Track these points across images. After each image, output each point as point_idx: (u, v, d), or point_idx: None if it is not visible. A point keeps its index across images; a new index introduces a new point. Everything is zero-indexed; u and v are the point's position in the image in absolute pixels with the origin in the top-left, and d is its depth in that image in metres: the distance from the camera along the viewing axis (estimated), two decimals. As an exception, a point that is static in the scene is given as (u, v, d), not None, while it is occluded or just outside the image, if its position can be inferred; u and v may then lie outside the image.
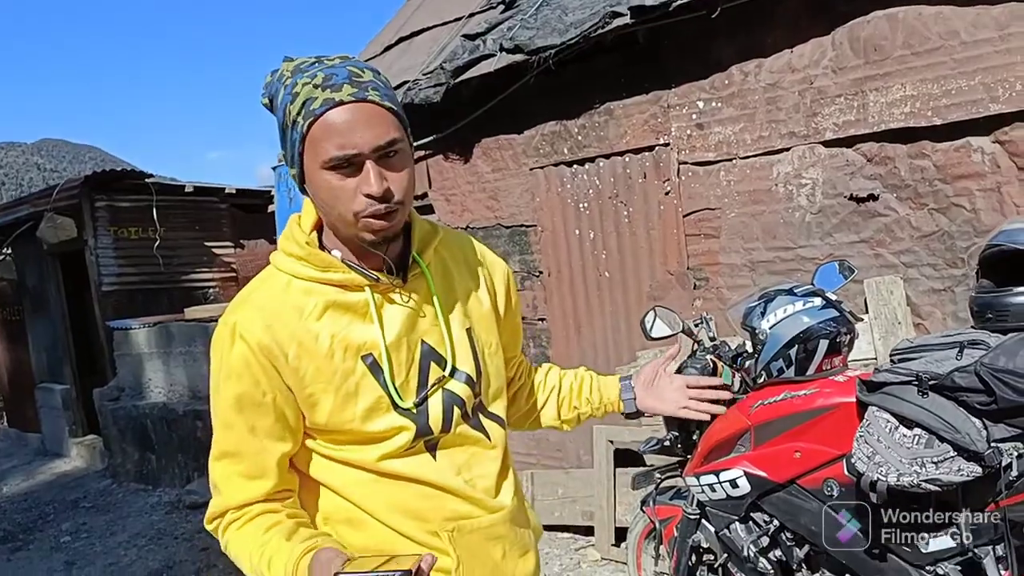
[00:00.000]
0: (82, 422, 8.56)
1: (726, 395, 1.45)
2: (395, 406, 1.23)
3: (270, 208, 8.57)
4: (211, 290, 8.80)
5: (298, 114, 1.13)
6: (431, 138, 4.85)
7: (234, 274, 8.92)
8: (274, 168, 6.05)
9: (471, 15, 5.22)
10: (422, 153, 5.05)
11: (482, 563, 1.30)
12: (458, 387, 1.30)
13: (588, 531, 4.17)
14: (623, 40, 3.84)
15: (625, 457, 4.02)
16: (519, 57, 4.05)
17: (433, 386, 1.27)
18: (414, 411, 1.24)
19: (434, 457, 1.28)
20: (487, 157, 4.68)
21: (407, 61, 5.38)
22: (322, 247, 1.26)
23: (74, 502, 6.87)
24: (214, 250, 8.85)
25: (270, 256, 1.29)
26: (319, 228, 1.28)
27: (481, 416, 1.35)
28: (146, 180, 8.07)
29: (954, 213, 3.09)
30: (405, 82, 4.92)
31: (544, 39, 3.93)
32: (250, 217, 9.07)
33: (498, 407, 1.38)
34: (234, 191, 8.85)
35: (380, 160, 1.14)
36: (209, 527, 1.28)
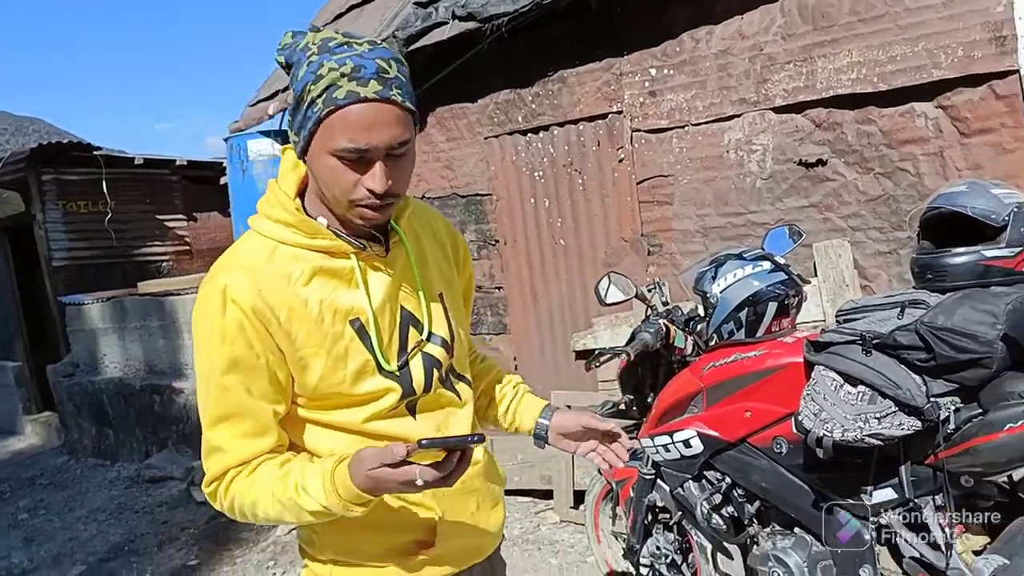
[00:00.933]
0: (36, 399, 8.41)
1: (624, 454, 1.46)
2: (380, 369, 1.26)
3: (222, 180, 8.44)
4: (164, 264, 8.65)
5: (319, 96, 1.12)
6: (385, 107, 4.81)
7: (187, 247, 8.78)
8: (226, 139, 5.93)
9: (423, -18, 5.16)
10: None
11: (460, 514, 1.36)
12: (435, 350, 1.34)
13: (547, 495, 4.24)
14: (576, 7, 3.84)
15: (584, 422, 4.09)
16: (472, 25, 4.02)
17: (412, 350, 1.31)
18: (398, 373, 1.28)
19: (414, 417, 1.31)
20: (441, 126, 4.66)
21: (358, 29, 5.30)
22: (306, 213, 1.26)
23: (31, 479, 6.77)
24: (166, 223, 8.68)
25: (249, 221, 1.28)
26: (300, 193, 1.28)
27: (452, 377, 1.39)
28: (94, 152, 7.85)
29: (899, 177, 3.17)
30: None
31: (496, 7, 3.91)
32: (202, 189, 8.91)
33: (465, 368, 1.44)
34: (185, 163, 8.66)
35: (387, 158, 1.15)
36: (208, 490, 1.26)
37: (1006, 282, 1.91)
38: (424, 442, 1.07)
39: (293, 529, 4.67)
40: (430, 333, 1.34)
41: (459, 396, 1.39)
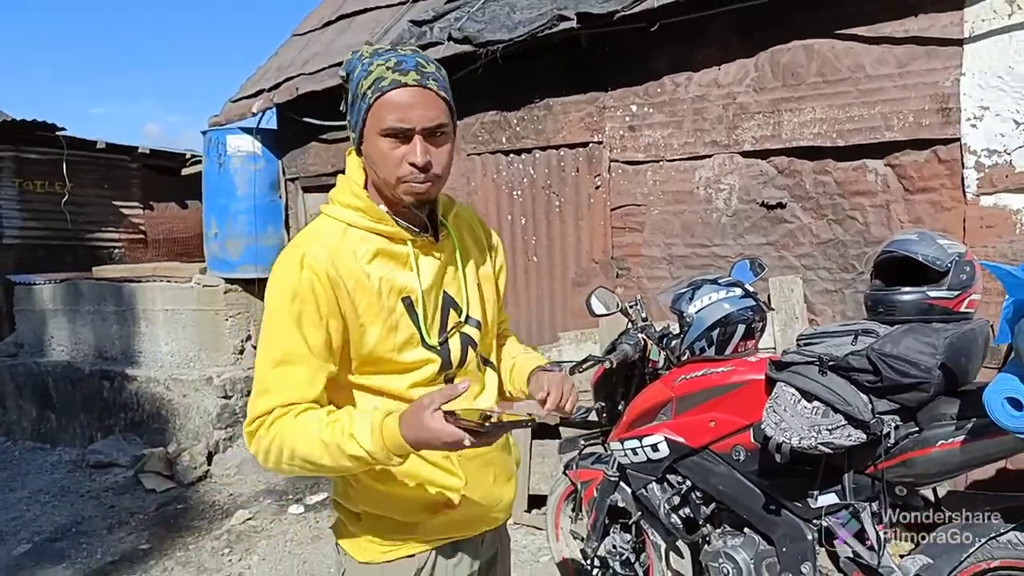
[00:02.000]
0: (-27, 378, 8.20)
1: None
2: (423, 342, 1.46)
3: (184, 171, 8.48)
4: (117, 250, 8.58)
5: (369, 88, 1.36)
6: (371, 117, 4.99)
7: (142, 236, 8.73)
8: (204, 133, 6.02)
9: (415, 1, 5.39)
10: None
11: (480, 483, 1.54)
12: (472, 331, 1.54)
13: (502, 498, 4.45)
14: (567, 42, 4.12)
15: (541, 430, 4.32)
16: (467, 48, 4.26)
17: (451, 329, 1.51)
18: (438, 347, 1.47)
19: None
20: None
21: (349, 39, 5.49)
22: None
23: (-36, 459, 6.65)
24: (122, 210, 8.63)
25: (321, 208, 1.50)
26: (364, 186, 1.49)
27: (480, 356, 1.59)
28: (57, 133, 7.79)
29: (848, 224, 3.52)
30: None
31: (493, 34, 4.16)
32: (161, 179, 8.89)
33: (488, 350, 1.64)
34: (147, 151, 8.64)
35: (428, 138, 1.36)
36: (249, 428, 1.39)
37: (946, 319, 2.22)
38: (488, 425, 1.22)
39: (249, 519, 4.78)
40: (468, 316, 1.54)
41: (485, 378, 1.59)
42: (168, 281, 6.36)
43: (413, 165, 1.35)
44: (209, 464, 5.70)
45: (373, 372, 1.45)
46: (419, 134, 1.35)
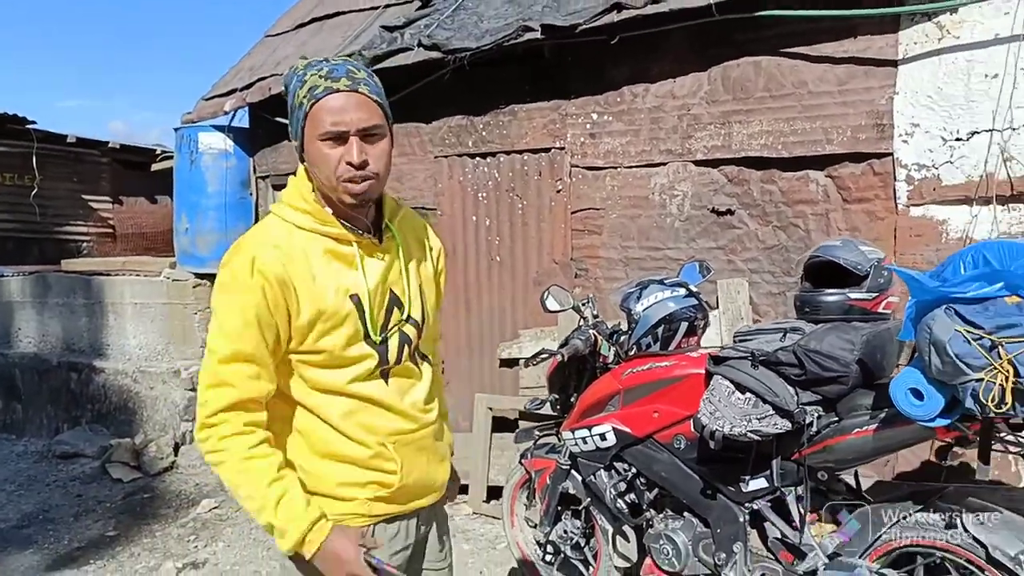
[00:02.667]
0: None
1: None
2: (367, 338, 1.57)
3: (154, 167, 8.53)
4: (85, 244, 8.60)
5: (304, 96, 1.47)
6: (341, 118, 5.13)
7: (111, 230, 8.76)
8: (176, 129, 6.11)
9: (387, 6, 5.54)
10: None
11: (415, 468, 1.66)
12: (410, 330, 1.65)
13: (462, 489, 4.61)
14: (532, 51, 4.29)
15: (501, 423, 4.50)
16: (435, 54, 4.42)
17: (393, 327, 1.62)
18: (379, 344, 1.58)
19: (387, 383, 1.62)
20: (395, 141, 5.00)
21: (321, 41, 5.62)
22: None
23: (-73, 448, 6.65)
24: (92, 204, 8.65)
25: (271, 207, 1.61)
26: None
27: (417, 353, 1.70)
28: (28, 127, 7.81)
29: (791, 231, 3.73)
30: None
31: (461, 41, 4.33)
32: (131, 174, 8.92)
33: (428, 349, 1.75)
34: (118, 146, 8.68)
35: (363, 139, 1.47)
36: (209, 421, 1.49)
37: (864, 319, 2.43)
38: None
39: (215, 508, 4.89)
40: (409, 315, 1.64)
41: (420, 370, 1.70)
42: (138, 275, 6.44)
43: (350, 164, 1.45)
44: (176, 455, 5.80)
45: (316, 365, 1.55)
46: (354, 135, 1.46)
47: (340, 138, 1.46)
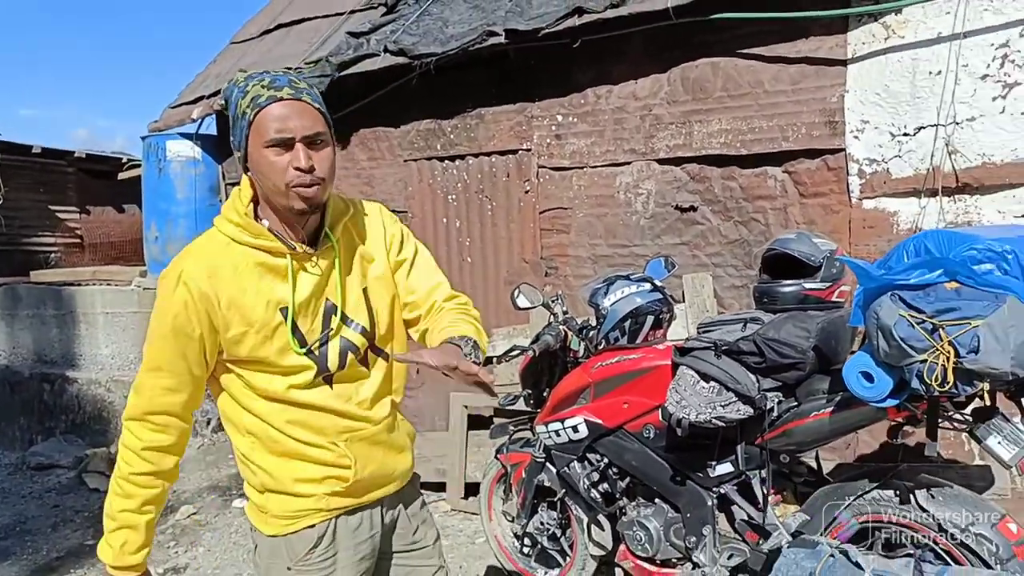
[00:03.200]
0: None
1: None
2: (301, 346, 1.58)
3: (121, 175, 8.48)
4: (53, 255, 8.54)
5: (247, 106, 1.47)
6: (310, 124, 5.18)
7: (79, 240, 8.70)
8: (143, 138, 6.12)
9: (352, 12, 5.60)
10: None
11: (371, 461, 1.68)
12: (354, 336, 1.65)
13: (440, 487, 4.69)
14: (497, 56, 4.38)
15: (477, 421, 4.58)
16: (402, 60, 4.50)
17: (333, 334, 1.62)
18: (315, 353, 1.60)
19: (331, 387, 1.63)
20: (364, 146, 5.09)
21: (287, 48, 5.67)
22: (257, 218, 1.59)
23: (-102, 463, 6.58)
24: (58, 214, 8.59)
25: (214, 220, 1.62)
26: (256, 202, 1.60)
27: (369, 352, 1.69)
28: (-9, 138, 7.75)
29: (752, 226, 3.87)
30: (288, 68, 5.23)
31: (427, 47, 4.41)
32: (98, 183, 8.87)
33: (384, 342, 1.73)
34: (84, 155, 8.62)
35: (308, 145, 1.48)
36: (125, 423, 1.62)
37: (819, 308, 2.55)
38: None
39: (194, 513, 4.92)
40: (345, 317, 1.64)
41: (369, 368, 1.69)
42: (108, 284, 6.43)
43: (299, 169, 1.46)
44: (152, 463, 5.79)
45: (257, 370, 1.59)
46: (300, 141, 1.47)
47: (286, 145, 1.47)
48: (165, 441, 1.61)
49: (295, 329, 1.57)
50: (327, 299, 1.62)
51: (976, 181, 3.21)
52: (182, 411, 1.62)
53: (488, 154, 4.62)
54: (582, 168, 4.33)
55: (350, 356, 1.64)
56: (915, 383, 2.00)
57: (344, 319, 1.64)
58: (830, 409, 2.40)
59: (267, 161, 1.47)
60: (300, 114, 1.47)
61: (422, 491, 1.95)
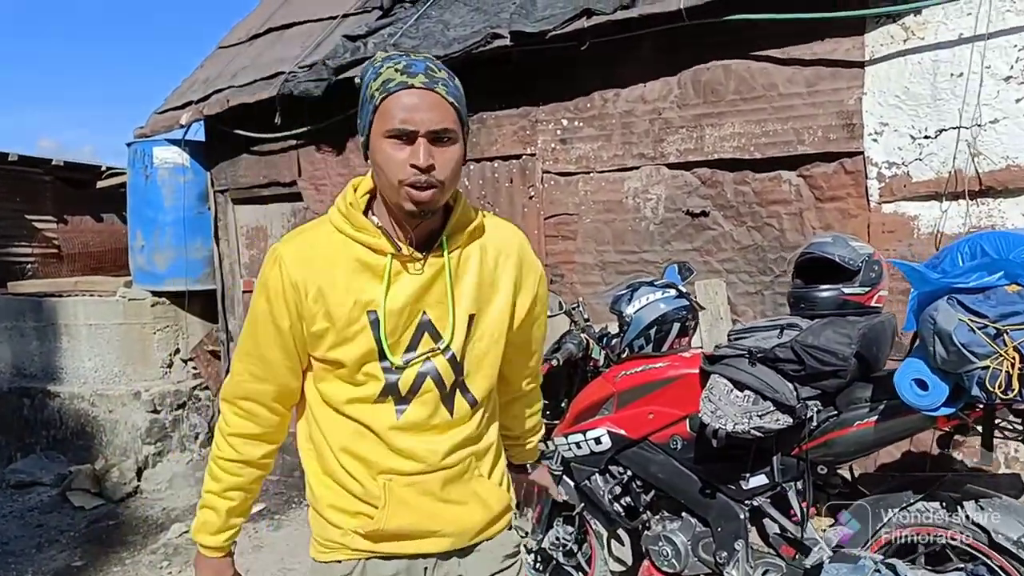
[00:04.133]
0: None
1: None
2: (381, 359, 1.43)
3: (100, 184, 8.26)
4: (30, 266, 8.30)
5: (377, 89, 1.35)
6: (305, 129, 5.06)
7: (56, 250, 8.47)
8: (129, 145, 5.95)
9: (345, 15, 5.48)
10: (294, 143, 5.24)
11: (410, 511, 1.48)
12: (440, 363, 1.46)
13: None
14: (500, 58, 4.29)
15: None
16: (402, 63, 4.38)
17: (421, 355, 1.45)
18: (392, 368, 1.44)
19: (398, 415, 1.46)
20: (361, 153, 4.95)
21: (279, 52, 5.53)
22: (368, 212, 1.47)
23: None
24: (35, 224, 8.36)
25: (331, 209, 1.51)
26: (373, 195, 1.49)
27: (457, 392, 1.50)
28: (-34, 145, 7.51)
29: (766, 231, 3.79)
30: (280, 73, 5.10)
31: (428, 50, 4.30)
32: (75, 192, 8.65)
33: (477, 388, 1.52)
34: (61, 164, 8.41)
35: (433, 142, 1.34)
36: (221, 402, 1.58)
37: (859, 312, 2.48)
38: None
39: (185, 532, 4.74)
40: (440, 342, 1.45)
41: (451, 411, 1.49)
42: (91, 295, 6.24)
43: (415, 167, 1.33)
44: (139, 480, 5.62)
45: (329, 373, 1.47)
46: (423, 137, 1.33)
47: (407, 138, 1.34)
48: (252, 429, 1.55)
49: (379, 337, 1.43)
50: (424, 312, 1.45)
51: (1000, 184, 3.16)
52: (271, 401, 1.54)
53: (491, 159, 4.52)
54: (588, 173, 4.24)
55: (428, 383, 1.46)
56: (976, 390, 1.93)
57: (436, 338, 1.46)
58: (874, 418, 2.32)
59: (385, 152, 1.35)
60: (430, 106, 1.34)
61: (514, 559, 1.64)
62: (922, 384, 2.05)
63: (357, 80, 1.54)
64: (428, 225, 1.45)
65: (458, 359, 1.48)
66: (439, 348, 1.46)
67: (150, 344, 6.07)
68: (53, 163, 8.44)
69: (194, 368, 6.22)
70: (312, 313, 1.43)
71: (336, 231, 1.45)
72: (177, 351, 6.19)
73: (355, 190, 1.50)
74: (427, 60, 1.40)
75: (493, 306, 1.52)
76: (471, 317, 1.49)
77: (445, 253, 1.46)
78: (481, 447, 1.57)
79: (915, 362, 2.07)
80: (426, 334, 1.46)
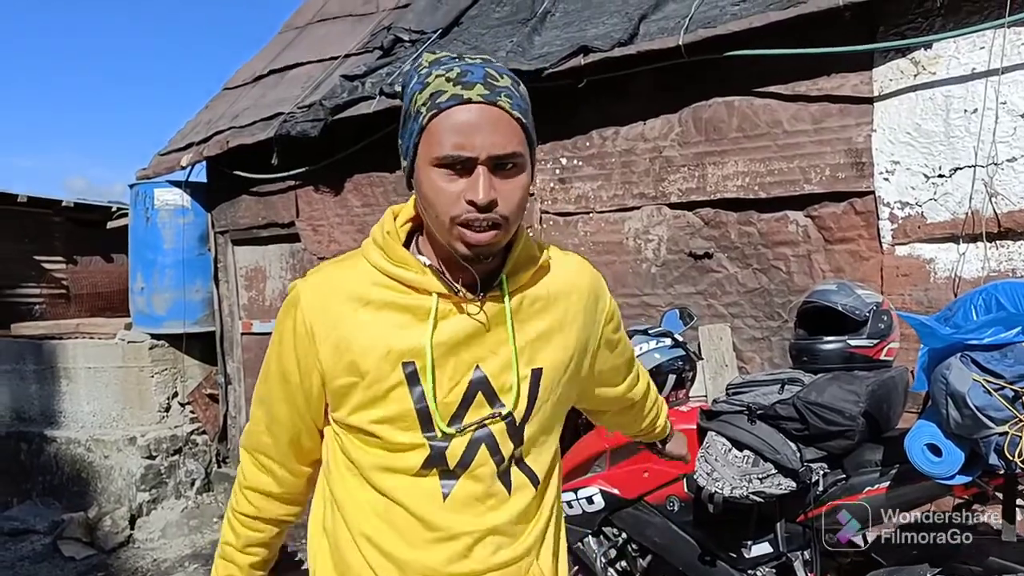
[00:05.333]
0: None
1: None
2: (423, 424, 1.15)
3: (109, 224, 8.23)
4: (37, 307, 8.26)
5: (423, 104, 1.08)
6: (303, 169, 4.97)
7: (64, 291, 8.42)
8: (131, 186, 5.90)
9: (346, 56, 5.42)
10: (293, 183, 5.15)
11: (430, 556, 1.18)
12: (497, 427, 1.18)
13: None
14: (497, 97, 4.17)
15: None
16: (398, 103, 4.28)
17: (474, 422, 1.17)
18: (439, 436, 1.15)
19: (444, 495, 1.17)
20: (358, 192, 4.86)
21: (280, 93, 5.48)
22: (409, 245, 1.20)
23: None
24: (44, 264, 8.33)
25: (364, 241, 1.25)
26: (418, 228, 1.22)
27: (515, 466, 1.22)
28: (-26, 187, 7.53)
29: (773, 274, 3.62)
30: (279, 113, 5.03)
31: (424, 88, 4.20)
32: (85, 232, 8.64)
33: (538, 460, 1.25)
34: (71, 204, 8.40)
35: (495, 169, 1.07)
36: (241, 450, 1.36)
37: (866, 367, 2.29)
38: None
39: (173, 585, 4.57)
40: (497, 404, 1.17)
41: (509, 489, 1.21)
42: (91, 337, 6.15)
43: (472, 203, 1.06)
44: (132, 528, 5.46)
45: (356, 436, 1.20)
46: (483, 164, 1.06)
47: (463, 167, 1.07)
48: (269, 486, 1.32)
49: (421, 395, 1.14)
50: (477, 366, 1.16)
51: (1019, 226, 2.97)
52: (287, 460, 1.30)
53: (489, 200, 4.38)
54: (588, 213, 4.10)
55: (483, 453, 1.17)
56: (992, 458, 1.74)
57: (491, 400, 1.17)
58: (886, 484, 2.13)
59: (434, 184, 1.08)
60: (493, 126, 1.07)
61: None
62: (935, 450, 1.86)
63: (397, 87, 1.25)
64: (487, 266, 1.17)
65: (517, 424, 1.19)
66: (496, 414, 1.17)
67: (148, 388, 5.95)
68: (63, 203, 8.44)
69: (191, 412, 6.08)
70: (332, 365, 1.16)
71: (369, 265, 1.18)
72: (175, 394, 6.06)
73: (395, 218, 1.22)
74: (486, 64, 1.11)
75: (560, 358, 1.24)
76: (536, 373, 1.20)
77: (505, 295, 1.18)
78: (539, 530, 1.26)
79: (927, 425, 1.88)
80: (480, 394, 1.17)
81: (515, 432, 1.19)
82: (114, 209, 8.74)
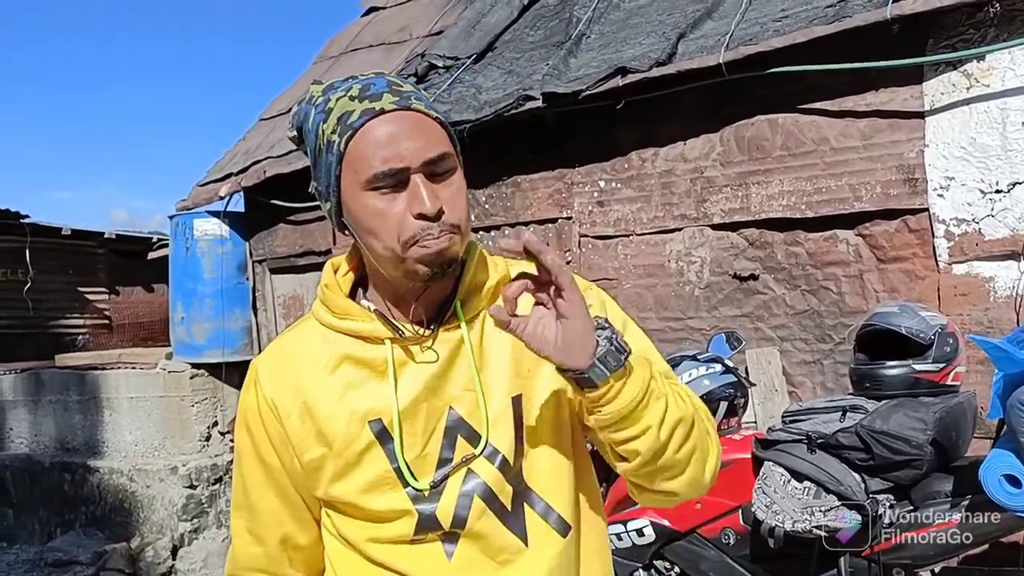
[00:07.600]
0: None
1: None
2: (405, 484, 1.04)
3: (150, 255, 8.37)
4: (81, 337, 8.39)
5: (333, 132, 0.99)
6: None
7: (107, 321, 8.56)
8: (171, 217, 5.96)
9: (382, 82, 5.44)
10: (323, 213, 5.16)
11: None
12: (486, 471, 1.05)
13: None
14: (533, 120, 4.14)
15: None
16: (435, 128, 4.27)
17: (457, 465, 1.05)
18: (426, 494, 1.04)
19: (448, 557, 1.05)
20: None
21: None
22: (354, 296, 1.12)
23: (-87, 563, 6.28)
24: (87, 295, 8.48)
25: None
26: (362, 277, 1.13)
27: (527, 509, 1.07)
28: (21, 221, 7.68)
29: (823, 295, 3.51)
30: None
31: (459, 114, 4.18)
32: (127, 263, 8.78)
33: (555, 496, 1.08)
34: (113, 236, 8.56)
35: (430, 177, 0.99)
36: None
37: (932, 392, 2.19)
38: None
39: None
40: (480, 444, 1.05)
41: (525, 540, 1.06)
42: (133, 367, 6.20)
43: (423, 216, 0.97)
44: (174, 559, 5.45)
45: (345, 514, 1.10)
46: (418, 172, 0.98)
47: (397, 181, 0.98)
48: None
49: (393, 454, 1.04)
50: (450, 407, 1.06)
51: (1084, 240, 2.84)
52: (278, 569, 1.14)
53: (526, 223, 4.34)
54: (628, 236, 4.03)
55: (477, 505, 1.05)
56: (1079, 491, 1.63)
57: (474, 441, 1.06)
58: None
59: (372, 210, 0.98)
60: (416, 130, 0.98)
61: None
62: (1014, 480, 1.75)
63: (291, 134, 1.11)
64: (433, 294, 1.06)
65: (509, 461, 1.06)
66: (478, 452, 1.05)
67: (188, 417, 5.97)
68: (106, 235, 8.59)
69: (231, 441, 6.09)
70: (301, 438, 1.06)
71: (320, 325, 1.10)
72: (215, 423, 6.07)
73: (335, 271, 1.14)
74: (383, 75, 1.06)
75: (546, 376, 1.08)
76: (514, 400, 1.07)
77: (462, 323, 1.07)
78: None
79: (1004, 454, 1.78)
80: (459, 438, 1.06)
81: (510, 472, 1.06)
82: (155, 240, 8.90)
